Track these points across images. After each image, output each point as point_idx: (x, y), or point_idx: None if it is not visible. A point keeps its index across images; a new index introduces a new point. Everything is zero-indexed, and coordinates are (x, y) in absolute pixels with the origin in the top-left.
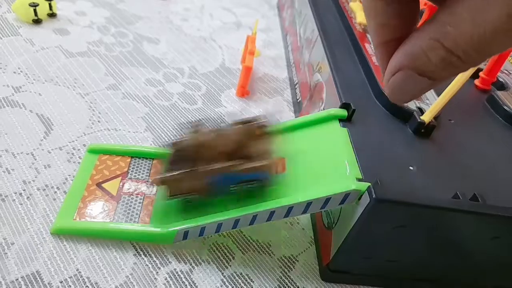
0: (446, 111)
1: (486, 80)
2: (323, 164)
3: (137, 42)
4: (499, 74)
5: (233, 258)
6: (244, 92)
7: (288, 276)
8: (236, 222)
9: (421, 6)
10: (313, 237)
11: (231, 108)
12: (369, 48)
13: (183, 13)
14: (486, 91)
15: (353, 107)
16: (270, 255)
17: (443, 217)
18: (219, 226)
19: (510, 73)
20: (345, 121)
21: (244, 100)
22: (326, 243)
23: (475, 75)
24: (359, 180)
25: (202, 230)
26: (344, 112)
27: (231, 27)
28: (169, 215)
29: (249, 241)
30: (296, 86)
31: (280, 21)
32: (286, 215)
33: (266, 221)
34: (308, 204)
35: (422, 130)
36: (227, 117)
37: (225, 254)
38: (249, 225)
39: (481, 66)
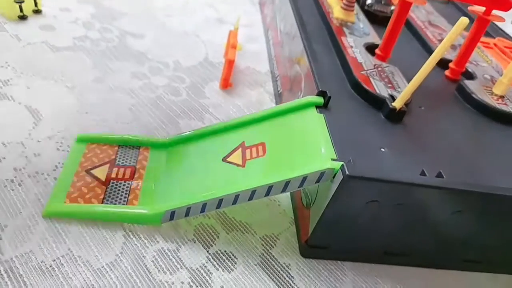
0: (417, 99)
1: (455, 71)
2: (300, 147)
3: (122, 37)
4: (468, 64)
5: (218, 237)
6: (227, 84)
7: (270, 253)
8: (220, 202)
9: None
10: (293, 218)
11: (215, 100)
12: (345, 41)
13: (168, 9)
14: (456, 81)
15: (328, 95)
16: (252, 234)
17: (410, 192)
18: (204, 206)
19: (478, 64)
20: (321, 107)
21: (227, 92)
22: (305, 222)
23: (445, 66)
24: (334, 160)
25: (188, 211)
26: (320, 100)
27: (214, 23)
28: (157, 197)
29: (233, 221)
30: (277, 79)
31: (262, 17)
32: (267, 194)
33: (248, 200)
34: (287, 183)
35: (394, 116)
36: (211, 108)
37: (210, 234)
38: (233, 204)
39: (451, 57)
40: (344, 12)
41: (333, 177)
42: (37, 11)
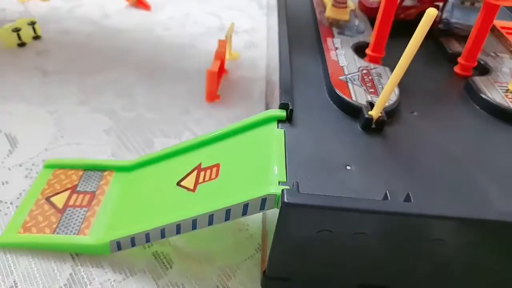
0: (410, 103)
1: (465, 66)
2: (253, 168)
3: (114, 55)
4: (483, 57)
5: (171, 267)
6: (214, 97)
7: (226, 284)
8: (163, 232)
9: None
10: (261, 244)
11: (198, 115)
12: (330, 43)
13: (167, 22)
14: (467, 78)
15: (290, 107)
16: (210, 263)
17: (368, 220)
18: (148, 236)
19: (497, 55)
20: (284, 122)
21: (213, 105)
22: (266, 250)
23: (454, 61)
24: (283, 183)
25: (132, 241)
26: (282, 113)
27: (214, 32)
28: (108, 225)
29: (190, 250)
30: (268, 88)
31: (267, 21)
32: (210, 223)
33: (192, 229)
34: (228, 211)
35: (373, 126)
36: (192, 124)
37: (163, 264)
38: (177, 234)
39: (459, 50)
40: (335, 10)
41: (277, 203)
42: (37, 37)
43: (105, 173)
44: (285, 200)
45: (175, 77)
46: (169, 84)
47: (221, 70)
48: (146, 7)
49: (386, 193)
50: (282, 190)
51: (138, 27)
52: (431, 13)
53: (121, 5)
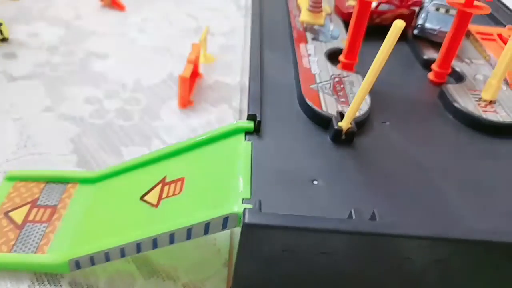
0: (383, 112)
1: (439, 73)
2: (216, 184)
3: (85, 59)
4: (458, 63)
5: (133, 286)
6: (186, 103)
7: None
8: (122, 251)
9: None
10: (228, 259)
11: (169, 121)
12: (303, 49)
13: (141, 24)
14: (442, 85)
15: (258, 118)
16: (174, 280)
17: (331, 240)
18: (107, 255)
19: (472, 62)
20: (252, 133)
21: (185, 111)
22: (232, 266)
23: (428, 68)
24: (246, 200)
25: (92, 260)
26: (250, 124)
27: (190, 34)
28: (68, 242)
29: (155, 266)
30: (243, 92)
31: (245, 23)
32: (171, 242)
33: (153, 248)
34: (189, 230)
35: (343, 137)
36: (163, 132)
37: (125, 282)
38: (137, 252)
39: (434, 56)
40: (310, 15)
41: (239, 222)
42: (3, 39)
43: (69, 185)
44: (246, 220)
45: (147, 82)
46: (140, 89)
47: (195, 74)
48: (120, 7)
49: (351, 212)
50: (244, 209)
51: (111, 29)
52: (398, 25)
53: (95, 5)
